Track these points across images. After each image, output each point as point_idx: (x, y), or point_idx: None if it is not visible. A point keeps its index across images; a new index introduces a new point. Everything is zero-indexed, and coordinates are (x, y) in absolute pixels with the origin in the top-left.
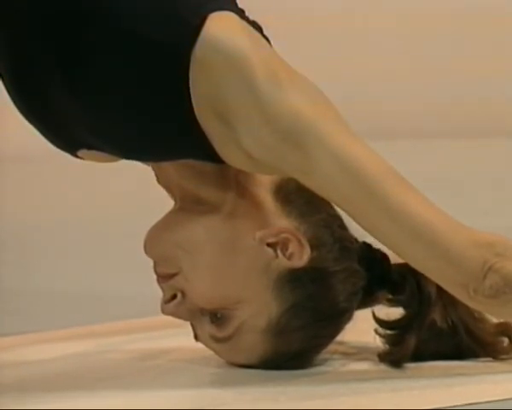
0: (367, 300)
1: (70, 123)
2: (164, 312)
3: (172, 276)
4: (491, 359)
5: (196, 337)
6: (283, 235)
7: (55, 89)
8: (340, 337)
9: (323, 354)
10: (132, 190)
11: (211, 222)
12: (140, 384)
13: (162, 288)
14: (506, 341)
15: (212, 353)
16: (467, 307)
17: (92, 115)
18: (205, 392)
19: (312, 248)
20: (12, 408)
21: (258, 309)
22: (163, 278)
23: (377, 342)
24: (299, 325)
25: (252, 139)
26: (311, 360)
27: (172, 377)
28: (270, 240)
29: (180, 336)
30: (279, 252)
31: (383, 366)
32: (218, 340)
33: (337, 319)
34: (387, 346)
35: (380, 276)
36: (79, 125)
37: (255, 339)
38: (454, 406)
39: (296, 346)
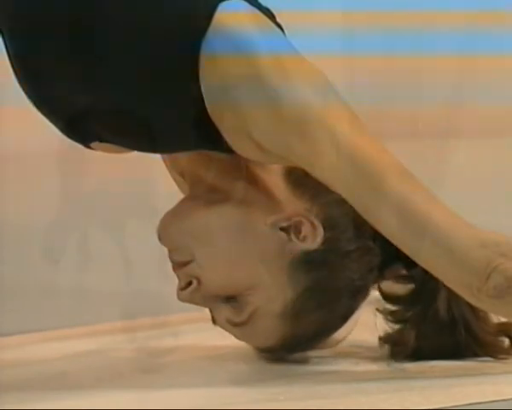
0: (381, 275)
1: (82, 114)
2: (180, 299)
3: (187, 263)
4: (491, 359)
5: (214, 321)
6: (296, 218)
7: (65, 79)
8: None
9: (324, 354)
10: (133, 189)
11: (223, 210)
12: (139, 384)
13: (178, 275)
14: (506, 341)
15: (211, 353)
16: (470, 305)
17: (103, 107)
18: (204, 392)
19: (325, 229)
20: (12, 408)
21: (274, 294)
22: (178, 265)
23: (377, 343)
24: (314, 306)
25: (260, 130)
26: (328, 340)
27: (171, 377)
28: (283, 224)
29: (180, 336)
30: (292, 235)
31: (383, 366)
32: (234, 324)
33: (353, 297)
34: (389, 327)
35: (394, 251)
36: (91, 116)
37: (272, 324)
38: (454, 406)
39: (313, 327)
